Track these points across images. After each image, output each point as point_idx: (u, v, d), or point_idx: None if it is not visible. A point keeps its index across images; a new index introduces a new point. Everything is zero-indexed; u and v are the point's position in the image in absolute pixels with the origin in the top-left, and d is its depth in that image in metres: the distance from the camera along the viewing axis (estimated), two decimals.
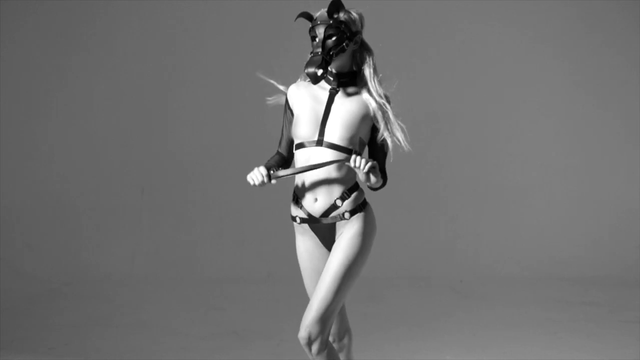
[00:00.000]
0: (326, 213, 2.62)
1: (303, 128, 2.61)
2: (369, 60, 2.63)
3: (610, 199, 6.36)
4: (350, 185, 2.62)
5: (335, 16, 2.58)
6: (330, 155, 2.56)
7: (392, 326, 4.62)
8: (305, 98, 2.66)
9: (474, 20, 6.42)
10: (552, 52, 6.45)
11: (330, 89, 2.64)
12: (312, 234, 2.70)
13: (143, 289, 5.54)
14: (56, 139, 6.20)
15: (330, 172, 2.58)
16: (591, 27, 6.44)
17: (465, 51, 6.44)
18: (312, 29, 2.61)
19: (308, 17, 2.62)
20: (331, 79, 2.64)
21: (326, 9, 2.60)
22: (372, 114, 2.61)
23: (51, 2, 6.16)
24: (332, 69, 2.62)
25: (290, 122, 2.69)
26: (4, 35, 6.07)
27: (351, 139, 2.57)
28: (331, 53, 2.56)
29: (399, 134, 2.60)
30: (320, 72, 2.53)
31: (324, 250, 2.70)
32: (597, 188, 6.38)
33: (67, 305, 5.09)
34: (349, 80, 2.64)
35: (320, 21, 2.58)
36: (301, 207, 2.67)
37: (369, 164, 2.45)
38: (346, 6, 2.62)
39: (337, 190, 2.60)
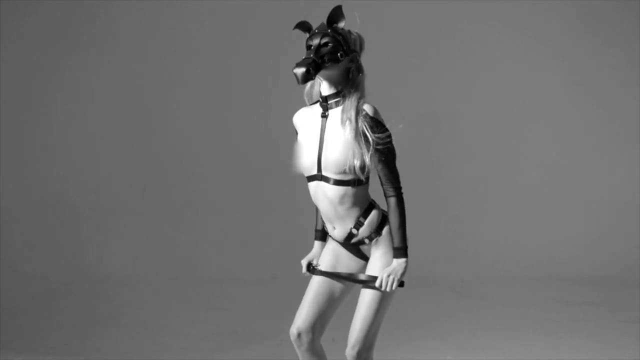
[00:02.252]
0: (346, 240, 2.60)
1: (304, 161, 2.55)
2: (357, 92, 2.50)
3: (610, 199, 6.36)
4: (363, 208, 2.57)
5: (334, 25, 2.49)
6: (331, 190, 2.51)
7: (393, 326, 4.61)
8: (305, 125, 2.60)
9: (474, 21, 6.43)
10: (552, 52, 6.46)
11: (321, 114, 2.55)
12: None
13: (143, 288, 5.54)
14: (57, 139, 6.20)
15: (336, 205, 2.53)
16: (591, 27, 6.45)
17: (465, 51, 6.44)
18: (309, 39, 2.51)
19: (306, 28, 2.53)
20: (320, 101, 2.55)
21: (326, 20, 2.52)
22: (360, 132, 2.48)
23: (51, 2, 6.17)
24: (321, 79, 2.51)
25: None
26: (4, 35, 6.07)
27: (347, 172, 2.48)
28: (324, 58, 2.45)
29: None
30: (303, 70, 2.40)
31: (353, 257, 2.66)
32: (597, 188, 6.39)
33: (68, 305, 5.09)
34: (339, 100, 2.51)
35: (318, 30, 2.50)
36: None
37: (395, 283, 2.51)
38: (349, 17, 2.56)
39: (349, 220, 2.56)
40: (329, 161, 2.49)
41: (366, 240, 2.58)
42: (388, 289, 2.49)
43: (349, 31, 2.53)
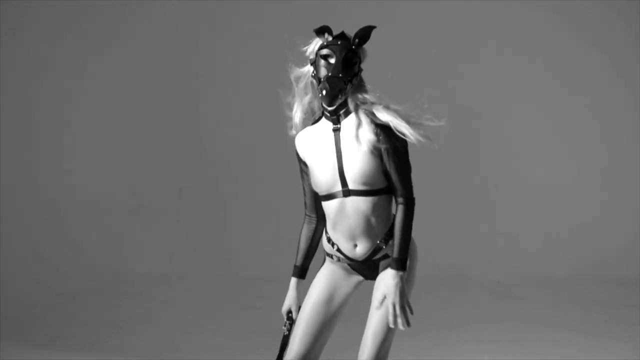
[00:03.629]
0: (369, 257, 2.44)
1: (322, 179, 2.40)
2: (359, 93, 2.40)
3: None
4: (390, 221, 2.44)
5: (358, 41, 2.37)
6: (363, 202, 2.37)
7: (428, 327, 4.59)
8: (313, 146, 2.45)
9: (498, 20, 6.39)
10: (582, 49, 6.38)
11: (333, 128, 2.41)
12: (347, 266, 2.51)
13: (180, 287, 5.59)
14: (98, 139, 6.28)
15: (369, 217, 2.38)
16: (631, 24, 6.35)
17: (504, 49, 6.39)
18: (327, 47, 2.37)
19: (326, 30, 2.40)
20: (328, 115, 2.41)
21: (346, 32, 2.40)
22: (378, 147, 2.36)
23: (86, 5, 6.25)
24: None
25: (307, 174, 2.50)
26: (49, 35, 6.17)
27: (375, 180, 2.36)
28: (349, 80, 2.34)
29: (408, 131, 2.37)
30: (339, 98, 2.33)
31: (349, 282, 2.52)
32: (636, 188, 6.28)
33: (106, 303, 5.15)
34: (346, 110, 2.40)
35: (342, 42, 2.36)
36: (337, 249, 2.48)
37: (400, 317, 2.34)
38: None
39: (378, 233, 2.42)
40: (355, 172, 2.36)
41: (390, 253, 2.42)
42: (401, 326, 2.33)
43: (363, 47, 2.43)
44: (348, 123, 2.40)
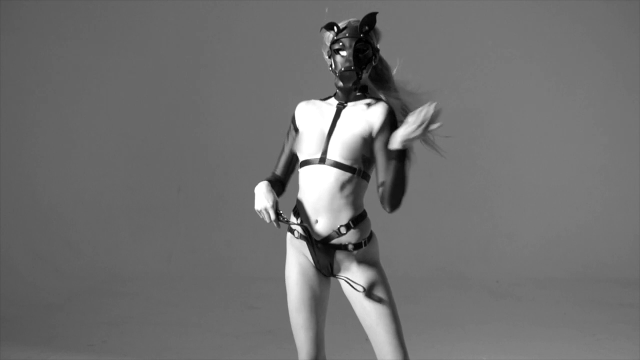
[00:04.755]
0: (326, 239, 2.40)
1: (306, 144, 2.44)
2: (391, 77, 2.55)
3: None
4: (358, 210, 2.41)
5: (365, 30, 2.46)
6: (333, 174, 2.38)
7: (427, 326, 4.60)
8: (313, 114, 2.50)
9: (510, 20, 6.38)
10: (592, 48, 6.39)
11: (338, 104, 2.49)
12: (307, 252, 2.46)
13: (179, 287, 5.59)
14: (96, 140, 6.28)
15: (335, 192, 2.38)
16: (632, 24, 6.36)
17: (502, 50, 6.40)
18: (337, 41, 2.46)
19: (330, 26, 2.49)
20: (341, 94, 2.49)
21: (352, 20, 2.48)
22: (374, 133, 2.41)
23: (83, 5, 6.25)
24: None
25: (294, 138, 2.53)
26: (47, 36, 6.16)
27: (355, 158, 2.39)
28: (363, 68, 2.44)
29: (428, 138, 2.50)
30: (350, 87, 2.41)
31: (317, 273, 2.47)
32: (636, 188, 6.29)
33: (105, 303, 5.15)
34: (360, 95, 2.48)
35: (349, 34, 2.45)
36: (300, 222, 2.43)
37: (432, 111, 2.35)
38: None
39: (343, 216, 2.40)
40: (338, 143, 2.40)
41: (350, 247, 2.39)
42: (426, 118, 2.34)
43: (374, 28, 2.52)
44: (356, 105, 2.47)
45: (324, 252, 2.42)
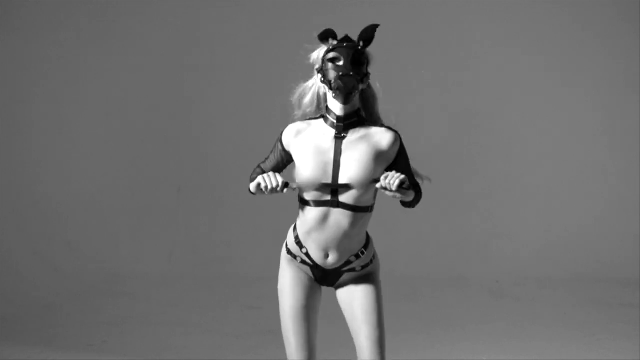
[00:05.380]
0: (337, 268, 2.45)
1: (310, 184, 2.36)
2: (376, 105, 2.41)
3: None
4: (366, 240, 2.46)
5: (365, 42, 2.35)
6: (348, 216, 2.34)
7: (427, 326, 4.60)
8: (306, 143, 2.39)
9: (500, 20, 6.39)
10: (591, 50, 6.39)
11: (336, 134, 2.37)
12: (306, 269, 2.49)
13: (179, 287, 5.59)
14: (96, 140, 6.28)
15: (349, 233, 2.37)
16: (633, 24, 6.36)
17: (503, 49, 6.40)
18: (333, 50, 2.34)
19: (329, 35, 2.37)
20: (334, 122, 2.36)
21: (348, 35, 2.37)
22: (389, 163, 2.36)
23: (83, 5, 6.25)
24: (336, 98, 2.34)
25: (281, 156, 2.47)
26: (47, 36, 6.16)
27: (369, 198, 2.37)
28: (362, 78, 2.33)
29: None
30: (353, 95, 2.31)
31: (313, 284, 2.49)
32: (636, 188, 6.29)
33: (105, 302, 5.15)
34: (355, 121, 2.37)
35: (347, 44, 2.34)
36: (305, 252, 2.45)
37: (397, 180, 2.19)
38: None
39: (354, 249, 2.43)
40: (352, 187, 2.33)
41: (357, 268, 2.45)
42: (392, 185, 2.20)
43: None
44: (355, 133, 2.37)
45: (332, 273, 2.48)
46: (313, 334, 2.49)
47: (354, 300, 2.46)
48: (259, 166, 2.56)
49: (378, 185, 2.25)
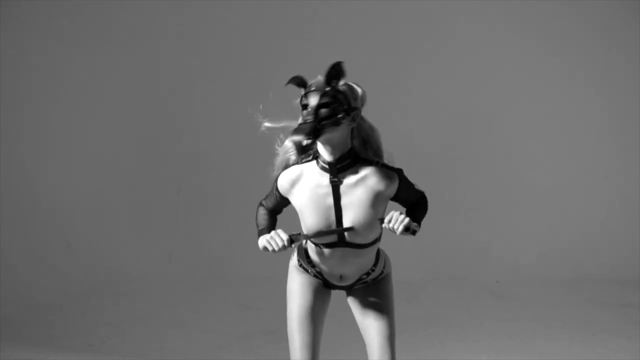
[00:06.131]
0: (351, 285, 2.53)
1: (315, 228, 2.38)
2: (373, 140, 2.35)
3: None
4: (376, 257, 2.50)
5: (334, 84, 2.28)
6: (362, 253, 2.40)
7: (428, 326, 4.60)
8: (304, 190, 2.39)
9: (498, 22, 6.39)
10: (592, 51, 6.39)
11: (331, 179, 2.33)
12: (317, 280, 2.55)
13: (179, 287, 5.59)
14: (96, 140, 6.28)
15: (359, 261, 2.41)
16: (634, 24, 6.36)
17: (491, 50, 6.40)
18: (304, 97, 2.31)
19: (300, 82, 2.34)
20: (326, 166, 2.32)
21: (323, 75, 2.30)
22: (384, 191, 2.34)
23: (82, 5, 6.25)
24: (320, 144, 2.31)
25: (281, 198, 2.49)
26: (46, 35, 6.16)
27: (375, 233, 2.39)
28: (323, 123, 2.23)
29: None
30: (306, 141, 2.24)
31: (322, 289, 2.53)
32: (636, 188, 6.29)
33: (105, 303, 5.15)
34: (349, 163, 2.32)
35: (316, 87, 2.28)
36: (318, 271, 2.50)
37: (403, 223, 2.20)
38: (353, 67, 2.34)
39: (365, 268, 2.49)
40: (357, 231, 2.35)
41: (369, 281, 2.53)
42: (397, 230, 2.20)
43: (350, 85, 2.32)
44: (352, 176, 2.33)
45: (344, 287, 2.54)
46: (318, 336, 2.51)
47: (367, 299, 2.51)
48: (261, 203, 2.61)
49: (383, 226, 2.26)
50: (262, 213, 2.58)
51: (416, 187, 2.43)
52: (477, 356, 4.04)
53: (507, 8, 6.41)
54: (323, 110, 2.26)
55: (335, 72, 2.28)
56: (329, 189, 2.34)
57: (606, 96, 6.41)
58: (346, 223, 2.34)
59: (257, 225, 2.56)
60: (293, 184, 2.43)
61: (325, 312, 2.56)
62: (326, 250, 2.42)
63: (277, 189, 2.49)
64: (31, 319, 4.71)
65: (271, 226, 2.54)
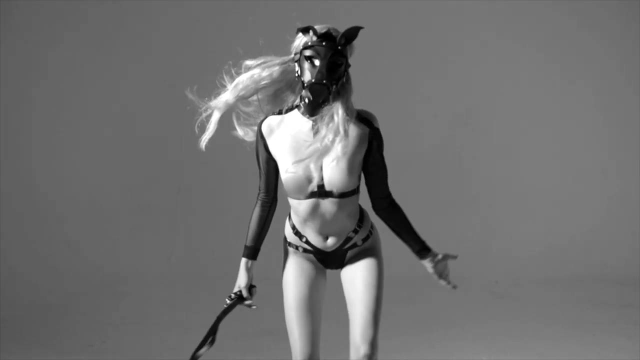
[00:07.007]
0: (339, 248, 2.47)
1: (294, 178, 2.36)
2: (346, 98, 2.30)
3: None
4: (359, 212, 2.46)
5: (344, 42, 2.25)
6: (336, 203, 2.36)
7: (427, 327, 4.60)
8: (285, 139, 2.38)
9: (499, 20, 6.39)
10: (592, 50, 6.38)
11: (312, 126, 2.32)
12: (310, 256, 2.52)
13: (178, 288, 5.59)
14: (96, 140, 6.28)
15: (341, 216, 2.38)
16: (634, 24, 6.36)
17: (500, 48, 6.40)
18: (311, 47, 2.26)
19: (308, 31, 2.29)
20: (305, 107, 2.31)
21: (331, 28, 2.27)
22: (367, 150, 2.34)
23: (80, 5, 6.24)
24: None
25: (268, 162, 2.46)
26: (45, 36, 6.16)
27: (355, 181, 2.36)
28: (334, 84, 2.24)
29: None
30: (322, 107, 2.24)
31: (317, 274, 2.51)
32: (636, 188, 6.29)
33: (104, 303, 5.15)
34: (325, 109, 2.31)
35: (327, 43, 2.25)
36: (305, 241, 2.48)
37: (447, 269, 2.62)
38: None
39: (349, 227, 2.44)
40: (335, 174, 2.32)
41: (359, 242, 2.48)
42: (448, 278, 2.61)
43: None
44: (330, 125, 2.30)
45: (334, 254, 2.49)
46: (317, 325, 2.51)
47: (356, 272, 2.48)
48: (257, 197, 2.60)
49: (430, 271, 2.62)
50: (255, 217, 2.60)
51: (384, 161, 2.40)
52: (477, 356, 4.04)
53: (507, 8, 6.40)
54: (336, 70, 2.26)
55: (352, 35, 2.26)
56: (310, 136, 2.33)
57: (606, 96, 6.41)
58: (326, 171, 2.33)
59: (247, 231, 2.65)
60: (273, 129, 2.42)
61: (322, 297, 2.53)
62: (306, 204, 2.37)
63: (263, 144, 2.48)
64: (31, 319, 4.70)
65: (258, 237, 2.65)
